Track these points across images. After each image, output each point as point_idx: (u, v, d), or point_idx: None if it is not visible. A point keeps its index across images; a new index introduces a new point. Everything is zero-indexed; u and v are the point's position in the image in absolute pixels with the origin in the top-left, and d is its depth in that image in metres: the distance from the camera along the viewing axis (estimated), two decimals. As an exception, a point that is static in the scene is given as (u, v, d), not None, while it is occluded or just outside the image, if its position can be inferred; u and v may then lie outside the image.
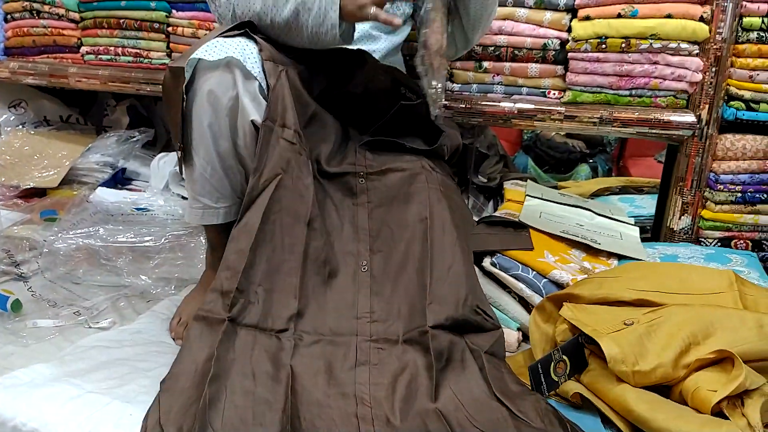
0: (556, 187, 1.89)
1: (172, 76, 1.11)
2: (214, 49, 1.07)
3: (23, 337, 1.16)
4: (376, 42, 1.35)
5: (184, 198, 1.79)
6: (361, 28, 1.30)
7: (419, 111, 1.23)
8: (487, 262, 1.25)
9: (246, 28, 1.13)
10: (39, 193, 1.86)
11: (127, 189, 1.91)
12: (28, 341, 1.15)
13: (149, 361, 1.07)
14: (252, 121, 1.10)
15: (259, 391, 0.89)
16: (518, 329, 1.23)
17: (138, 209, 1.71)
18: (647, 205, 1.80)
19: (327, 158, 1.17)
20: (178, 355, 0.94)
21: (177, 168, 1.80)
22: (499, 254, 1.26)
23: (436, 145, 1.24)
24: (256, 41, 1.11)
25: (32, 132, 2.03)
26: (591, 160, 2.63)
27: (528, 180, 1.71)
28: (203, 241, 1.49)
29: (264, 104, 1.10)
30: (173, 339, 1.18)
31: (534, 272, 1.23)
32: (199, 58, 1.07)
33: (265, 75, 1.10)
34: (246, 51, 1.09)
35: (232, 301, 0.98)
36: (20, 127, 2.05)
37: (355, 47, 1.22)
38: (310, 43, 1.15)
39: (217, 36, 1.11)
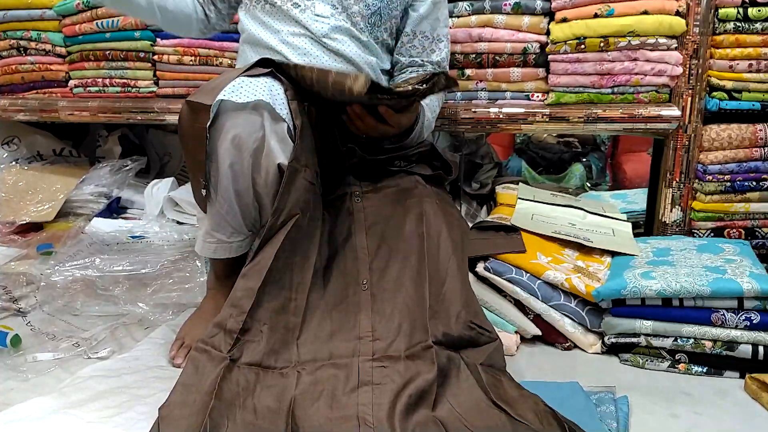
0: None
1: (189, 111, 1.08)
2: (241, 90, 1.04)
3: (23, 372, 1.16)
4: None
5: (179, 223, 1.80)
6: None
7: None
8: (480, 267, 1.26)
9: (270, 66, 1.11)
10: (35, 227, 1.86)
11: (123, 218, 1.92)
12: (28, 375, 1.15)
13: (148, 387, 1.07)
14: (278, 164, 1.09)
15: (261, 423, 0.90)
16: (516, 332, 1.23)
17: (134, 237, 1.71)
18: (640, 200, 1.80)
19: (321, 183, 1.17)
20: (176, 384, 0.94)
21: (171, 194, 1.83)
22: (492, 259, 1.26)
23: (435, 173, 1.25)
24: (281, 81, 1.09)
25: (26, 167, 2.03)
26: (584, 159, 2.63)
27: (519, 183, 1.71)
28: (199, 265, 1.50)
29: (291, 145, 1.08)
30: (172, 361, 1.18)
31: (528, 274, 1.23)
32: (224, 99, 1.04)
33: (291, 116, 1.08)
34: (273, 92, 1.06)
35: (235, 341, 0.99)
36: (13, 163, 2.05)
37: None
38: None
39: (242, 74, 1.07)
